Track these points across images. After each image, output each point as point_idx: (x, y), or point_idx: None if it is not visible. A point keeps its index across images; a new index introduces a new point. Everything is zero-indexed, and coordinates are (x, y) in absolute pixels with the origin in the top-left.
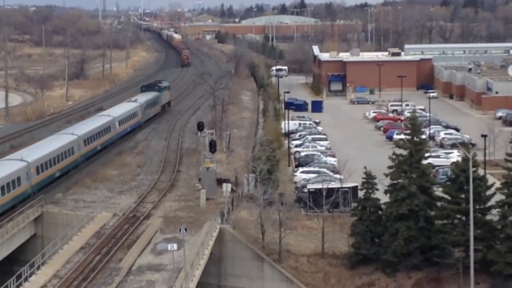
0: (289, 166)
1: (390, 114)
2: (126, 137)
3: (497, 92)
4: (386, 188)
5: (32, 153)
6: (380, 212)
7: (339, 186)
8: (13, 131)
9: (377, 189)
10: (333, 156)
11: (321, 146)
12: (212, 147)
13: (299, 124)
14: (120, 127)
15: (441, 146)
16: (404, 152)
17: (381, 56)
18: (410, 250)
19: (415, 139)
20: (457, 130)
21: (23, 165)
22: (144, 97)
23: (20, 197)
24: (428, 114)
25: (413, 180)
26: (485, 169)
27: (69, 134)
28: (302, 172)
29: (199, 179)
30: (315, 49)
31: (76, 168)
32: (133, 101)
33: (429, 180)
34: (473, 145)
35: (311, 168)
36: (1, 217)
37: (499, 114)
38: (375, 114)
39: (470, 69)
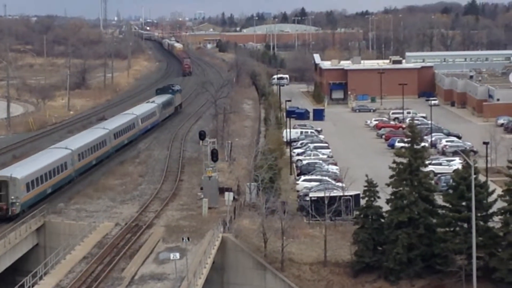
0: (291, 174)
1: (392, 122)
2: (127, 147)
3: (498, 100)
4: (388, 197)
5: (74, 143)
6: (382, 220)
7: (341, 194)
8: (15, 141)
9: (379, 197)
10: (335, 164)
11: (323, 154)
12: (214, 156)
13: (301, 132)
14: (142, 124)
15: (443, 153)
16: (404, 161)
17: (382, 64)
18: (411, 258)
19: (415, 147)
20: (459, 137)
21: (68, 153)
22: (160, 99)
23: (66, 179)
24: (429, 122)
25: (413, 188)
26: (487, 176)
27: (101, 128)
28: (304, 180)
29: (201, 188)
30: (316, 57)
31: (109, 158)
32: (151, 102)
33: (429, 187)
34: (475, 152)
35: (313, 177)
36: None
37: (501, 121)
38: (376, 122)
39: (471, 77)
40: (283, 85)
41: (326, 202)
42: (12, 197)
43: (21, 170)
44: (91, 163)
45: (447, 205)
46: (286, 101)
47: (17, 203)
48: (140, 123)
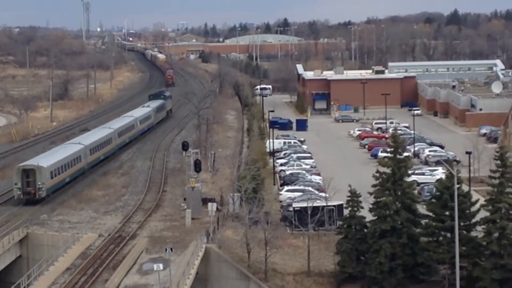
0: (274, 184)
1: (375, 132)
2: (111, 157)
3: (481, 109)
4: (371, 206)
5: (86, 139)
6: (365, 230)
7: (324, 204)
8: None
9: (362, 207)
10: (318, 174)
11: (306, 164)
12: (197, 166)
13: (284, 142)
14: (140, 126)
15: (426, 163)
16: (388, 170)
17: (365, 74)
18: (394, 267)
19: (398, 156)
20: (442, 147)
21: (82, 148)
22: (154, 103)
23: (80, 171)
24: (412, 132)
25: (397, 197)
26: (470, 185)
27: (108, 128)
28: (287, 190)
29: (184, 199)
30: (299, 67)
31: (114, 154)
32: (147, 106)
33: (412, 197)
34: (458, 162)
35: (296, 187)
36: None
37: (483, 131)
38: (359, 132)
39: (454, 86)
40: (266, 96)
41: (309, 212)
42: (39, 183)
43: (45, 160)
44: (99, 158)
45: (431, 214)
46: (269, 111)
47: (43, 188)
48: (139, 124)
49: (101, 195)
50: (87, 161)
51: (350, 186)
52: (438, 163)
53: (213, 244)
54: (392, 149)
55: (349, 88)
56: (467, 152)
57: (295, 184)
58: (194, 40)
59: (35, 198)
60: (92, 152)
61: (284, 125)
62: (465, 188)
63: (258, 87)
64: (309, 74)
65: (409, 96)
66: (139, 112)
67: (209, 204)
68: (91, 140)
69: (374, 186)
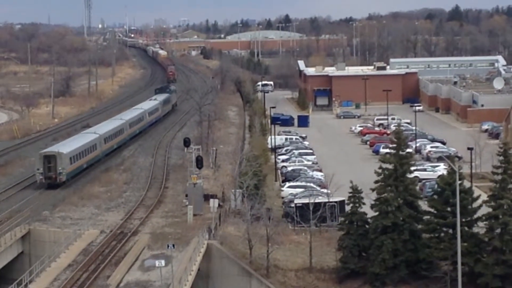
0: (276, 181)
1: (376, 128)
2: (114, 153)
3: (482, 105)
4: (373, 202)
5: (101, 129)
6: (367, 226)
7: (326, 200)
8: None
9: (363, 203)
10: (320, 170)
11: (308, 160)
12: (199, 163)
13: (286, 139)
14: (149, 118)
15: (428, 159)
16: (390, 166)
17: (367, 70)
18: (396, 263)
19: (400, 153)
20: (443, 143)
21: (97, 137)
22: (160, 97)
23: (96, 159)
24: (414, 128)
25: (398, 194)
26: (471, 181)
27: (119, 119)
28: (289, 187)
29: (186, 195)
30: (301, 64)
31: (125, 144)
32: (154, 100)
33: (414, 193)
34: (460, 158)
35: (298, 183)
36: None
37: (485, 127)
38: (361, 128)
39: (455, 83)
40: (267, 92)
41: (311, 208)
42: (60, 168)
43: (65, 147)
44: (113, 147)
45: (432, 210)
46: (271, 107)
47: (63, 173)
48: (147, 116)
49: (103, 191)
50: (102, 150)
51: (351, 182)
52: (439, 159)
53: (215, 241)
54: (394, 145)
55: (351, 84)
56: (468, 148)
57: (296, 180)
58: (196, 37)
59: (56, 182)
60: (106, 141)
61: (286, 121)
62: (466, 184)
63: (260, 83)
64: (310, 70)
65: (410, 92)
66: (148, 105)
67: (211, 200)
68: (105, 130)
69: (376, 182)
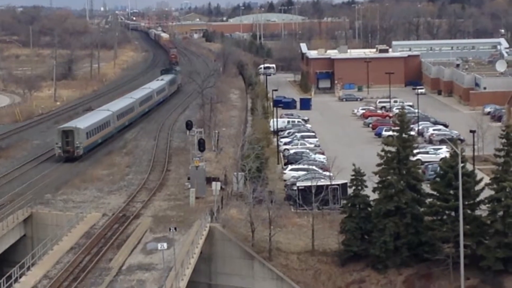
0: (278, 164)
1: (379, 111)
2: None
3: (485, 88)
4: (375, 185)
5: (114, 107)
6: (369, 209)
7: (329, 183)
8: (1, 132)
9: (366, 186)
10: (322, 153)
11: (310, 143)
12: (201, 146)
13: (288, 121)
14: (157, 97)
15: (430, 142)
16: (393, 149)
17: (369, 53)
18: (398, 246)
19: (403, 135)
20: (446, 126)
21: (110, 113)
22: (167, 77)
23: (109, 135)
24: (416, 111)
25: (401, 177)
26: (474, 164)
27: (130, 98)
28: (291, 169)
29: (188, 178)
30: (303, 46)
31: (136, 121)
32: (161, 80)
33: (417, 177)
34: (462, 140)
35: (300, 166)
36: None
37: (487, 109)
38: (363, 111)
39: (458, 65)
40: (269, 75)
41: (313, 191)
42: (77, 142)
43: (82, 123)
44: (124, 124)
45: (435, 193)
46: (273, 90)
47: (80, 147)
48: (155, 96)
49: (105, 174)
50: (115, 126)
51: (354, 165)
52: (442, 141)
53: (217, 223)
54: (397, 127)
55: (353, 67)
56: (471, 131)
57: (299, 163)
58: (198, 20)
59: (73, 156)
60: (119, 118)
61: (288, 104)
62: (469, 167)
63: (262, 66)
64: (313, 53)
65: (413, 74)
66: (155, 84)
67: (213, 183)
68: (118, 107)
69: (379, 165)
